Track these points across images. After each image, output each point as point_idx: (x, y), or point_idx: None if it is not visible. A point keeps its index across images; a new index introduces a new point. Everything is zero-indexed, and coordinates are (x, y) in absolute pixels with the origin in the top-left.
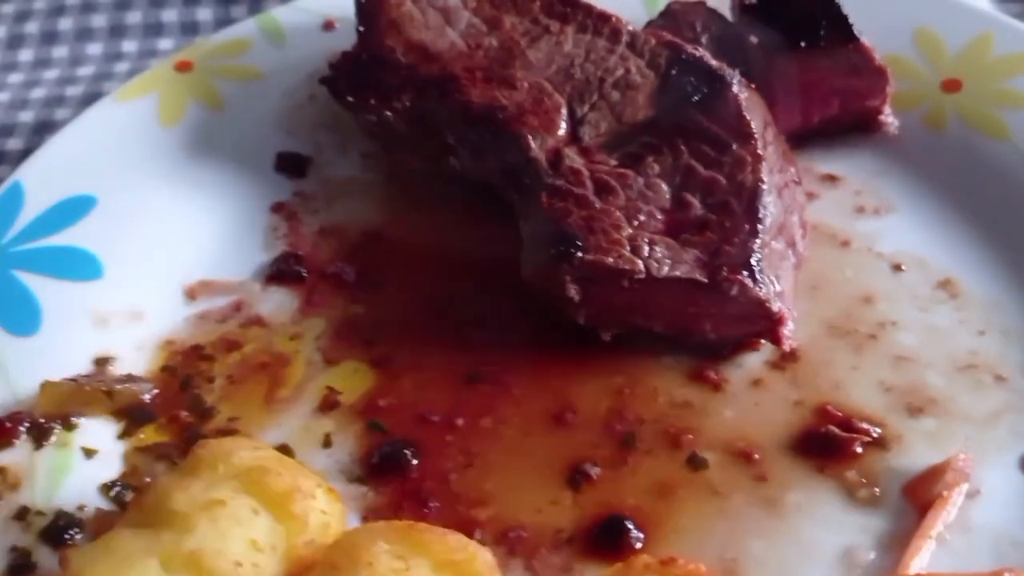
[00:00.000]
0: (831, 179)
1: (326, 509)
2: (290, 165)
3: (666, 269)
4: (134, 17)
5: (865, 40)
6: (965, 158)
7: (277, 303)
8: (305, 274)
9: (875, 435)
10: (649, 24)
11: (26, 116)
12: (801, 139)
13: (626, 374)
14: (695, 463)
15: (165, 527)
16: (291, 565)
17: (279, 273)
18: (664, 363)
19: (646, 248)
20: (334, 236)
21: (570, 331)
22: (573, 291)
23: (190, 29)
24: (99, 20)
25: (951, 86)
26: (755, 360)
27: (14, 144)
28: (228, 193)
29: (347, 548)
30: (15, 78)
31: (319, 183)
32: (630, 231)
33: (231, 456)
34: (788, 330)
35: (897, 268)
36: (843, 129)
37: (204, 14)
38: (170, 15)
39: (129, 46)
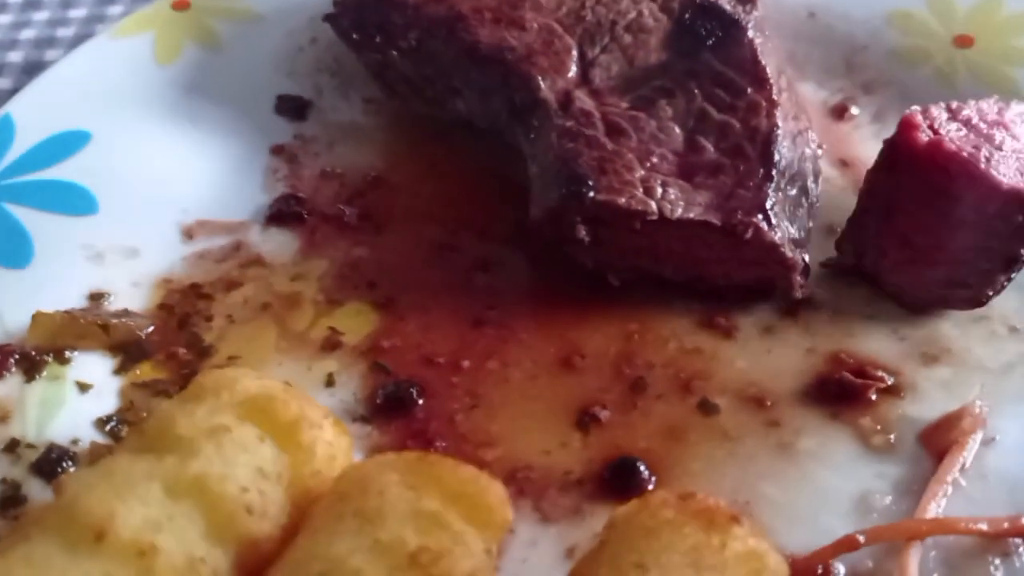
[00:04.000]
0: None
1: (332, 441)
2: (291, 108)
3: (679, 211)
4: None
5: None
6: None
7: (277, 244)
8: (306, 216)
9: (889, 382)
10: None
11: (15, 56)
12: None
13: (635, 320)
14: (706, 408)
15: (168, 452)
16: (297, 495)
17: (279, 214)
18: (674, 309)
19: (659, 189)
20: (335, 179)
21: (575, 277)
22: (583, 232)
23: None
24: None
25: (963, 42)
26: (766, 307)
27: (3, 83)
28: (226, 133)
29: (357, 478)
30: (3, 19)
31: (320, 127)
32: (642, 172)
33: (236, 384)
34: (800, 277)
35: None
36: None
37: None
38: None
39: None
